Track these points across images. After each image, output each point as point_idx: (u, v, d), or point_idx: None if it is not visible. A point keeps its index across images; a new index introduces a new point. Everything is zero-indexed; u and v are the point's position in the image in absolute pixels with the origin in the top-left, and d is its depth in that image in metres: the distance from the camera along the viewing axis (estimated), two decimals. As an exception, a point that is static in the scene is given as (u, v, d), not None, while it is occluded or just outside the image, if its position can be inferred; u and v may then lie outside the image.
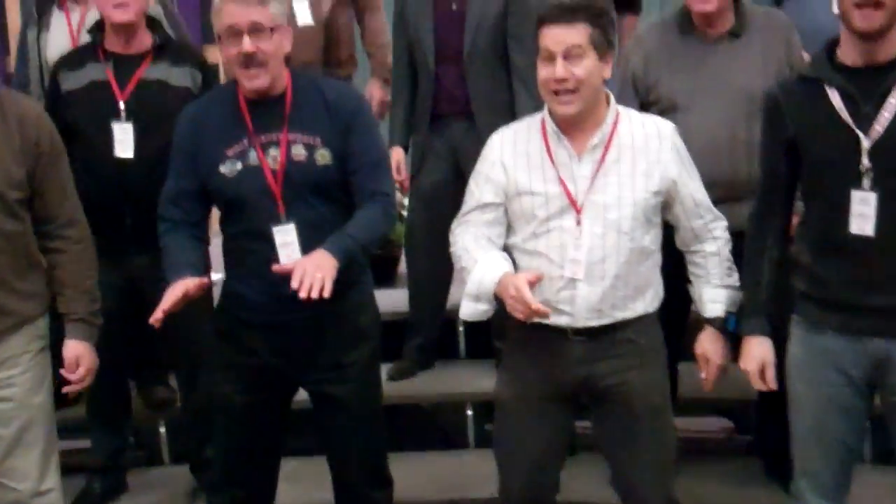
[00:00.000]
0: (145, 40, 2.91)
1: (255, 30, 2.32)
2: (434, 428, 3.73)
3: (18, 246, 2.40)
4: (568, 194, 2.29)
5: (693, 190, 2.38)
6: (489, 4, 3.33)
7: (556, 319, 2.31)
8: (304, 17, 3.56)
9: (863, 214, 2.16)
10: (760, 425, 3.24)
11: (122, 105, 2.84)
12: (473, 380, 3.55)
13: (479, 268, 2.32)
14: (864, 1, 2.09)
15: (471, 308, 2.37)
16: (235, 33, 2.33)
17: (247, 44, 2.31)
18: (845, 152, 2.17)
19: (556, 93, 2.25)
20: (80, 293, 2.52)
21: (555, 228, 2.29)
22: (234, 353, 2.49)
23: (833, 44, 2.24)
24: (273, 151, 2.38)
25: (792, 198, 2.37)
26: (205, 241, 2.59)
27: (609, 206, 2.28)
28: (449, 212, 3.08)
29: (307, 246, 2.34)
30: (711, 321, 2.43)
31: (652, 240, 2.35)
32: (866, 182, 2.15)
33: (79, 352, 2.50)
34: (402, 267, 3.98)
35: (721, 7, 2.78)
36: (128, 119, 2.84)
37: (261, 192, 2.37)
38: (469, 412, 3.53)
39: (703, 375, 2.47)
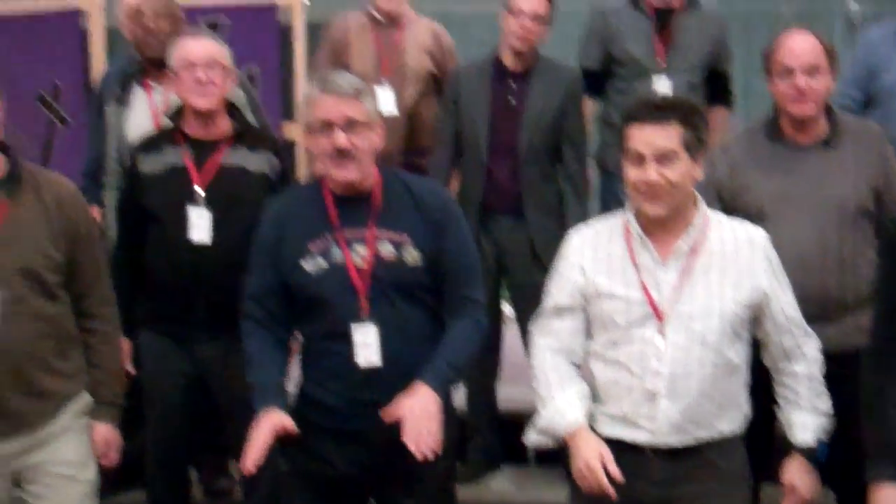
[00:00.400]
0: (224, 126, 2.95)
1: (350, 125, 2.33)
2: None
3: (60, 328, 2.45)
4: (651, 301, 2.21)
5: (785, 304, 2.29)
6: (548, 102, 3.41)
7: (634, 436, 2.22)
8: (389, 106, 3.71)
9: None
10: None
11: (199, 190, 2.88)
12: (542, 488, 3.48)
13: (553, 408, 2.29)
14: None
15: (536, 439, 2.36)
16: (329, 126, 2.34)
17: (341, 138, 2.32)
18: None
19: (643, 194, 2.19)
20: (111, 376, 2.57)
21: (636, 338, 2.21)
22: (304, 460, 2.42)
23: None
24: (360, 248, 2.35)
25: None
26: (289, 345, 2.54)
27: (695, 317, 2.19)
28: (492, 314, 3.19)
29: (387, 348, 2.31)
30: (801, 450, 2.32)
31: (739, 355, 2.26)
32: None
33: (109, 436, 2.56)
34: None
35: (818, 112, 2.71)
36: (205, 204, 2.87)
37: (343, 290, 2.34)
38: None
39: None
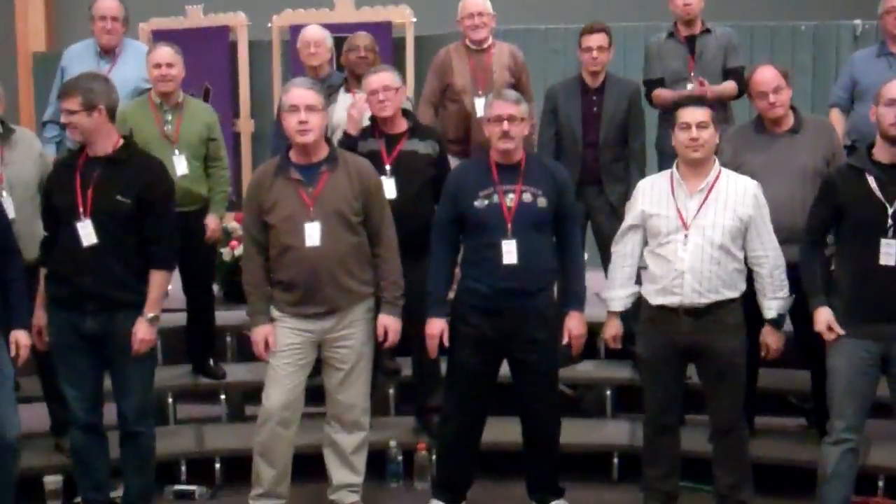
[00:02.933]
0: (402, 124, 4.35)
1: (511, 118, 3.77)
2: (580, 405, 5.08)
3: (361, 251, 3.82)
4: (681, 218, 3.70)
5: (760, 227, 3.71)
6: (618, 108, 4.74)
7: (671, 300, 3.71)
8: (482, 111, 4.70)
9: (888, 253, 3.49)
10: (816, 407, 4.39)
11: (388, 167, 4.28)
12: (614, 370, 4.93)
13: (609, 295, 3.92)
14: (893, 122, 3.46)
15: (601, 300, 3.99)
16: (499, 119, 3.76)
17: (506, 125, 3.76)
18: (877, 215, 3.50)
19: (690, 147, 3.64)
20: (391, 283, 3.86)
21: (672, 240, 3.69)
22: (466, 328, 3.89)
23: (871, 145, 3.62)
24: (511, 195, 3.82)
25: (826, 239, 3.70)
26: (457, 251, 3.99)
27: (706, 227, 3.66)
28: None
29: (521, 255, 3.76)
30: (769, 321, 3.75)
31: (737, 252, 3.68)
32: (891, 233, 3.49)
33: (387, 322, 3.86)
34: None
35: (785, 112, 4.12)
36: (391, 175, 4.26)
37: (498, 219, 3.80)
38: (608, 392, 4.89)
39: (763, 354, 3.79)
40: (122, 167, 3.74)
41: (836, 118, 4.90)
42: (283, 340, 3.83)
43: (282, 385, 3.84)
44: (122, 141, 3.80)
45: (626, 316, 4.00)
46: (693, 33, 4.99)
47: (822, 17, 6.85)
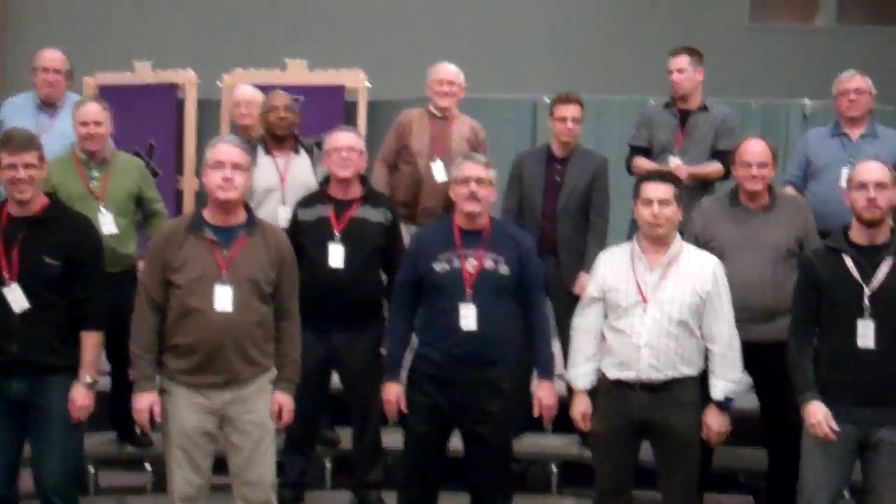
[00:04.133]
0: (356, 190, 4.24)
1: (479, 181, 3.69)
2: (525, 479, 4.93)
3: (267, 323, 3.57)
4: (640, 292, 3.61)
5: (717, 304, 3.62)
6: (581, 178, 4.65)
7: (627, 375, 3.61)
8: (441, 175, 4.88)
9: (865, 335, 3.42)
10: (770, 488, 4.31)
11: (337, 234, 4.14)
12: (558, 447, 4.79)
13: (574, 373, 3.76)
14: (870, 204, 3.42)
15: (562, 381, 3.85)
16: (466, 181, 3.68)
17: (473, 187, 3.68)
18: (854, 296, 3.44)
19: (652, 224, 3.57)
20: (290, 362, 3.63)
21: (630, 314, 3.60)
22: (419, 396, 3.76)
23: (846, 227, 3.57)
24: (472, 260, 3.70)
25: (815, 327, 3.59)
26: (415, 315, 3.84)
27: (665, 302, 3.58)
28: None
29: (480, 321, 3.65)
30: (714, 402, 3.64)
31: (696, 330, 3.60)
32: (867, 314, 3.42)
33: (282, 401, 3.60)
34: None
35: (763, 189, 4.08)
36: (340, 242, 4.13)
37: (456, 283, 3.68)
38: (554, 468, 4.75)
39: (703, 436, 3.63)
40: (47, 227, 3.60)
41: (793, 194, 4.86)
42: (180, 419, 3.54)
43: (183, 469, 3.58)
44: (46, 200, 3.66)
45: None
46: (689, 108, 4.95)
47: (772, 95, 6.97)
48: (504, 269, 3.73)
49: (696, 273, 3.63)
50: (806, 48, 8.61)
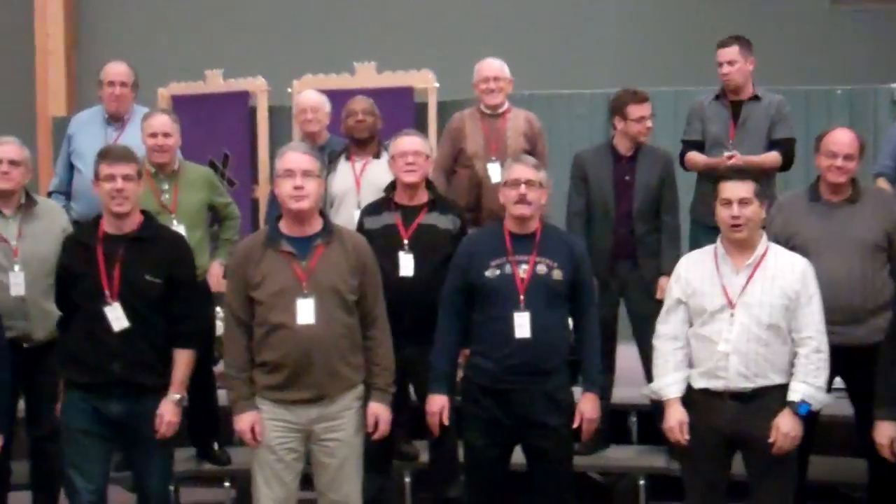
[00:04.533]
0: (423, 196, 4.14)
1: (529, 183, 3.57)
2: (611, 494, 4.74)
3: (354, 334, 3.53)
4: (726, 295, 3.41)
5: (806, 306, 3.40)
6: (651, 177, 4.48)
7: (715, 384, 3.42)
8: (497, 177, 4.61)
9: None
10: (871, 501, 4.08)
11: (405, 242, 4.05)
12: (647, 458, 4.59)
13: (662, 382, 3.55)
14: None
15: (648, 394, 3.70)
16: (516, 183, 3.57)
17: (522, 189, 3.57)
18: None
19: (732, 226, 3.38)
20: (384, 369, 3.57)
21: (716, 319, 3.41)
22: (474, 409, 3.63)
23: None
24: (524, 266, 3.57)
25: None
26: (466, 325, 3.70)
27: (753, 305, 3.38)
28: (612, 342, 4.34)
29: (535, 329, 3.51)
30: (789, 404, 3.40)
31: (785, 334, 3.39)
32: None
33: (377, 411, 3.54)
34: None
35: (847, 181, 3.85)
36: (409, 251, 4.04)
37: (510, 290, 3.54)
38: (642, 482, 4.53)
39: (770, 440, 3.37)
40: (147, 244, 3.59)
41: (883, 188, 4.59)
42: (267, 435, 3.51)
43: (270, 486, 3.53)
44: (142, 216, 3.65)
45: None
46: (740, 99, 4.74)
47: (857, 81, 6.66)
48: (557, 275, 3.59)
49: (786, 274, 3.42)
50: (893, 29, 8.19)
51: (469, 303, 3.67)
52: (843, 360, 3.61)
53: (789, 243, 3.80)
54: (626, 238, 4.49)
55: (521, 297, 3.54)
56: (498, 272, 3.58)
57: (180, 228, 4.33)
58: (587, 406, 3.65)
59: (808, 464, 3.98)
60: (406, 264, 4.03)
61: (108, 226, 3.59)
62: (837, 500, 4.62)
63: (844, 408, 3.93)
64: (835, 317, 3.54)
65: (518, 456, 3.71)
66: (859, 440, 4.01)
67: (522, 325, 3.53)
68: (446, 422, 3.69)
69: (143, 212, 3.69)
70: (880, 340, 3.76)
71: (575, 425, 3.66)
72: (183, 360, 3.64)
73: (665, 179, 4.52)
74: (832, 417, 3.45)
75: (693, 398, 3.50)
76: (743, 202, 3.39)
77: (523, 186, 3.57)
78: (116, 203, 3.55)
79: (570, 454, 3.74)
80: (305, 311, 3.42)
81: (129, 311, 3.51)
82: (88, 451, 3.57)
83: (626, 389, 3.92)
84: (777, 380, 3.40)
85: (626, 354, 4.55)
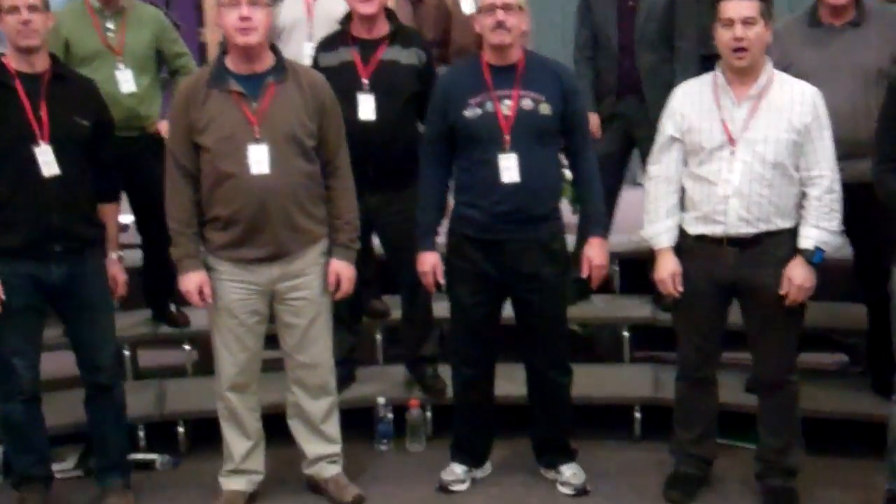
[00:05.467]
0: (383, 27, 3.69)
1: (506, 6, 3.15)
2: (592, 346, 4.53)
3: (314, 182, 3.21)
4: (727, 131, 3.07)
5: (817, 141, 3.06)
6: (655, 1, 3.98)
7: (713, 229, 3.11)
8: (469, 8, 4.27)
9: None
10: (871, 349, 3.89)
11: (365, 81, 3.64)
12: (631, 308, 4.34)
13: (654, 229, 3.23)
14: None
15: (640, 240, 3.38)
16: (492, 7, 3.15)
17: (499, 14, 3.15)
18: None
19: (734, 50, 3.00)
20: (345, 223, 3.29)
21: (715, 158, 3.08)
22: (462, 263, 3.33)
23: None
24: (507, 102, 3.20)
25: None
26: (449, 173, 3.39)
27: (758, 142, 3.04)
28: (614, 181, 3.92)
29: (523, 171, 3.17)
30: (801, 251, 3.09)
31: (794, 174, 3.06)
32: None
33: (339, 269, 3.28)
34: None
35: (849, 2, 3.46)
36: (370, 91, 3.63)
37: (493, 130, 3.19)
38: (626, 333, 4.29)
39: (782, 292, 3.10)
40: (68, 84, 3.23)
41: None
42: (226, 298, 3.23)
43: (230, 351, 3.29)
44: (49, 57, 3.26)
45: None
46: None
47: None
48: (545, 109, 3.22)
49: (793, 105, 3.05)
50: None
51: (450, 148, 3.33)
52: (845, 198, 3.27)
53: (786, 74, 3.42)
54: (629, 72, 4.06)
55: (507, 136, 3.19)
56: (479, 111, 3.22)
57: (126, 73, 3.93)
58: (594, 252, 3.35)
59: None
60: (366, 106, 3.64)
61: (17, 64, 3.17)
62: (830, 346, 4.43)
63: (841, 250, 3.63)
64: (837, 151, 3.18)
65: (508, 311, 3.45)
66: (859, 284, 3.77)
67: (509, 167, 3.20)
68: (441, 279, 3.40)
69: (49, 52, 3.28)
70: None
71: (584, 274, 3.37)
72: (111, 216, 3.39)
73: (675, 1, 4.02)
74: (826, 260, 3.15)
75: (689, 245, 3.20)
76: (747, 22, 3.00)
77: (500, 11, 3.16)
78: (23, 37, 3.12)
79: (564, 307, 3.47)
80: (259, 159, 3.10)
81: (61, 156, 3.16)
82: (29, 330, 3.24)
83: (613, 235, 3.63)
84: (781, 224, 3.09)
85: (627, 198, 4.26)
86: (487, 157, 3.21)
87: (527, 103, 3.21)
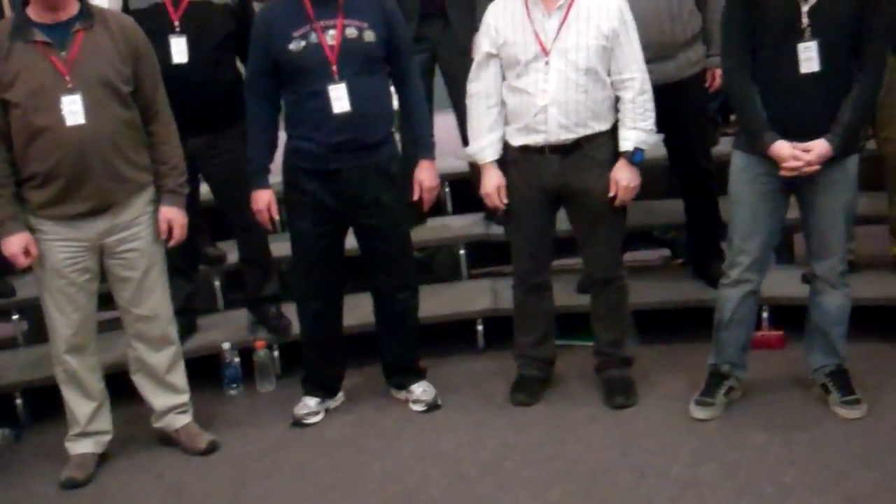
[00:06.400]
0: None
1: None
2: (431, 268, 4.61)
3: (134, 129, 3.12)
4: (540, 42, 3.15)
5: (626, 45, 3.18)
6: None
7: (535, 139, 3.21)
8: None
9: (809, 58, 2.94)
10: (689, 240, 4.14)
11: (176, 23, 3.53)
12: (464, 227, 4.44)
13: (478, 145, 3.31)
14: None
15: (465, 157, 3.52)
16: None
17: None
18: (790, 14, 2.94)
19: None
20: (170, 168, 3.22)
21: (531, 69, 3.16)
22: (299, 196, 3.32)
23: None
24: (331, 32, 3.18)
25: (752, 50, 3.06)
26: (277, 108, 3.36)
27: (569, 50, 3.13)
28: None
29: (354, 101, 3.17)
30: (623, 153, 3.23)
31: (605, 78, 3.17)
32: (807, 35, 2.94)
33: (170, 216, 3.22)
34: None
35: None
36: (181, 33, 3.53)
37: (320, 61, 3.17)
38: (462, 252, 4.40)
39: (611, 195, 3.23)
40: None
41: None
42: (53, 258, 3.12)
43: (63, 312, 3.18)
44: None
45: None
46: None
47: None
48: (369, 36, 3.22)
49: (600, 12, 3.16)
50: None
51: (277, 83, 3.28)
52: (656, 98, 3.42)
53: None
54: None
55: (334, 67, 3.18)
56: (303, 43, 3.18)
57: None
58: (425, 174, 3.39)
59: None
60: (179, 49, 3.53)
61: None
62: (652, 242, 4.67)
63: (654, 149, 3.81)
64: (645, 54, 3.30)
65: (351, 242, 3.47)
66: (677, 178, 3.98)
67: (340, 97, 3.19)
68: (276, 216, 3.39)
69: None
70: (693, 74, 3.66)
71: (415, 197, 3.41)
72: None
73: None
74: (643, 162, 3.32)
75: (514, 156, 3.29)
76: None
77: None
78: None
79: (407, 231, 3.52)
80: (73, 110, 2.99)
81: None
82: None
83: (438, 159, 3.68)
84: (598, 127, 3.22)
85: (439, 122, 4.28)
86: (316, 88, 3.19)
87: (351, 32, 3.20)
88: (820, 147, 2.97)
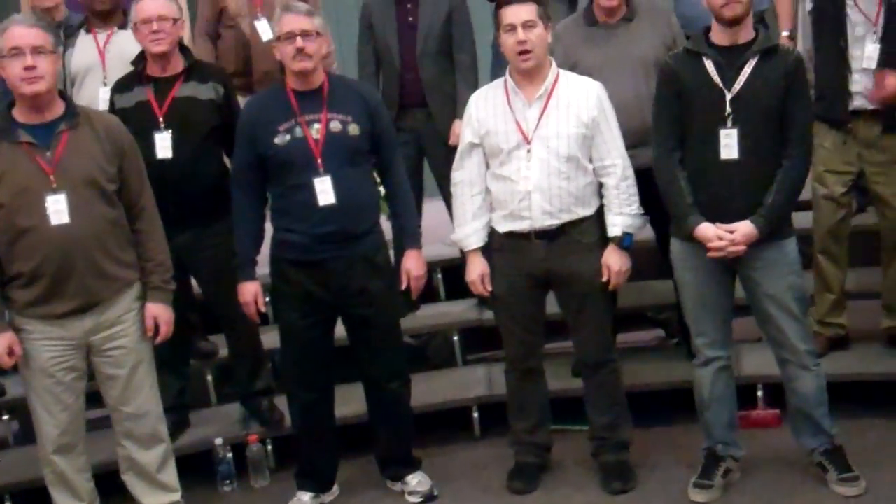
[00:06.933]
0: (178, 65, 3.65)
1: (305, 34, 3.18)
2: (425, 355, 4.60)
3: (119, 227, 3.13)
4: (521, 131, 3.19)
5: (606, 133, 3.24)
6: (436, 17, 4.14)
7: (521, 226, 3.23)
8: (268, 34, 4.22)
9: (728, 144, 3.05)
10: (682, 320, 4.11)
11: (160, 119, 3.59)
12: (458, 313, 4.44)
13: (463, 232, 3.36)
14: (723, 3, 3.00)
15: (451, 244, 3.51)
16: (291, 36, 3.18)
17: (299, 42, 3.18)
18: (716, 103, 3.06)
19: (519, 53, 3.13)
20: (156, 265, 3.22)
21: (514, 157, 3.21)
22: (287, 288, 3.33)
23: (707, 29, 3.17)
24: (316, 126, 3.23)
25: (681, 136, 3.18)
26: (264, 201, 3.40)
27: (550, 138, 3.18)
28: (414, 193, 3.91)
29: (339, 193, 3.21)
30: (612, 239, 3.27)
31: (587, 165, 3.23)
32: (729, 122, 3.05)
33: (156, 312, 3.20)
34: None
35: (620, 2, 3.67)
36: (166, 129, 3.58)
37: (305, 154, 3.21)
38: (455, 338, 4.39)
39: (604, 279, 3.28)
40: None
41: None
42: (39, 357, 3.10)
43: (50, 412, 3.15)
44: None
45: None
46: None
47: None
48: (354, 129, 3.27)
49: (580, 101, 3.22)
50: None
51: (262, 177, 3.32)
52: (640, 182, 3.47)
53: (573, 72, 3.55)
54: (414, 86, 4.17)
55: (319, 160, 3.22)
56: (288, 137, 3.23)
57: None
58: (412, 263, 3.42)
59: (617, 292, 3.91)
60: (163, 144, 3.58)
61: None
62: (645, 323, 4.67)
63: (643, 232, 3.84)
64: (626, 140, 3.37)
65: (338, 333, 3.47)
66: (662, 260, 3.97)
67: (325, 190, 3.23)
68: (263, 308, 3.41)
69: None
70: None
71: (403, 286, 3.43)
72: None
73: (454, 15, 4.17)
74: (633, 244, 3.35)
75: (500, 243, 3.32)
76: (527, 25, 3.14)
77: (299, 39, 3.18)
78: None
79: (397, 318, 3.53)
80: (58, 209, 3.01)
81: None
82: None
83: (429, 247, 3.72)
84: (582, 213, 3.26)
85: (429, 210, 4.35)
86: (302, 181, 3.23)
87: (335, 125, 3.25)
88: (744, 228, 3.04)
